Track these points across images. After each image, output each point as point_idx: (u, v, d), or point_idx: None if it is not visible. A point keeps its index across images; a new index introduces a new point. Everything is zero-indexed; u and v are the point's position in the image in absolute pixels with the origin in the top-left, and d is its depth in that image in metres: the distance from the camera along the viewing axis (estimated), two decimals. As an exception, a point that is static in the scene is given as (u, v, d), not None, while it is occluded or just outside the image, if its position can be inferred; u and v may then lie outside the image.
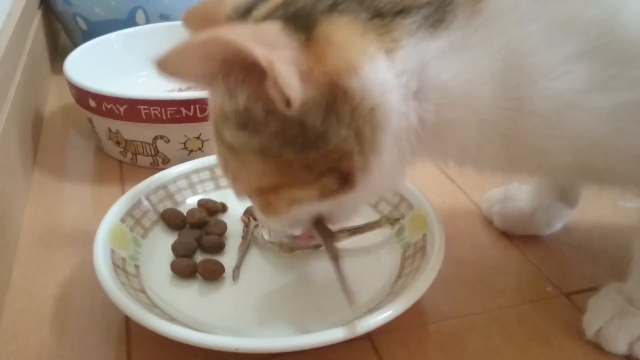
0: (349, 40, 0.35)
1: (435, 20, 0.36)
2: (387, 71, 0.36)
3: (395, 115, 0.37)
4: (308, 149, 0.37)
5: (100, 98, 0.68)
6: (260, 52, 0.32)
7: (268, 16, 0.38)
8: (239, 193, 0.45)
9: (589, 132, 0.38)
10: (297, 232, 0.49)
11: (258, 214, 0.45)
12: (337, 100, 0.36)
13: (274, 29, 0.35)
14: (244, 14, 0.41)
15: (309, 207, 0.42)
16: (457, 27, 0.36)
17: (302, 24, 0.35)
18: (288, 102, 0.35)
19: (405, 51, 0.36)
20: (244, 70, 0.36)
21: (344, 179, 0.39)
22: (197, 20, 0.45)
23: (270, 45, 0.34)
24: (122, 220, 0.54)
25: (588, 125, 0.37)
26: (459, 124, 0.39)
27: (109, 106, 0.68)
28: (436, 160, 0.44)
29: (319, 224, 0.47)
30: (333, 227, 0.49)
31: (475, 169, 0.44)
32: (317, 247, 0.54)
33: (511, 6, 0.36)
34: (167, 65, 0.34)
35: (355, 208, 0.47)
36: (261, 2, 0.41)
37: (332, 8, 0.36)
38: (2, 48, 0.68)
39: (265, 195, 0.42)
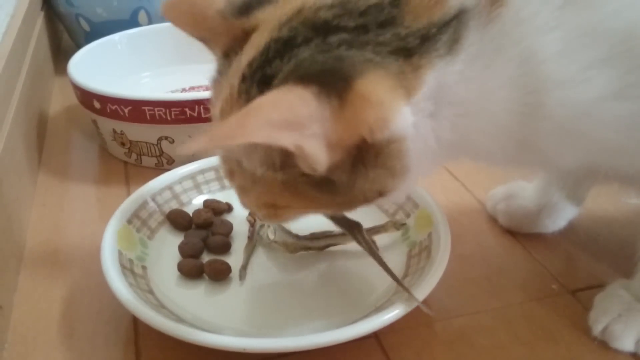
0: (384, 99, 0.34)
1: (452, 42, 0.35)
2: (410, 107, 0.35)
3: (415, 140, 0.36)
4: (336, 194, 0.37)
5: (104, 99, 0.68)
6: (289, 142, 0.32)
7: (286, 32, 0.37)
8: (244, 205, 0.44)
9: (601, 139, 0.38)
10: None
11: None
12: (361, 151, 0.35)
13: (306, 101, 0.33)
14: (240, 12, 0.40)
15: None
16: (472, 42, 0.35)
17: (336, 85, 0.34)
18: (315, 170, 0.34)
19: (427, 84, 0.35)
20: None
21: (372, 200, 0.39)
22: (179, 12, 0.42)
23: (300, 125, 0.32)
24: (129, 222, 0.54)
25: (602, 132, 0.37)
26: (473, 131, 0.38)
27: (113, 107, 0.68)
28: (450, 162, 0.44)
29: (342, 220, 0.48)
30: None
31: (487, 163, 0.44)
32: (323, 248, 0.55)
33: (530, 14, 0.35)
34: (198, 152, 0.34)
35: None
36: (262, 3, 0.40)
37: (367, 63, 0.34)
38: (6, 50, 0.69)
39: (275, 209, 0.41)
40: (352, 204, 0.39)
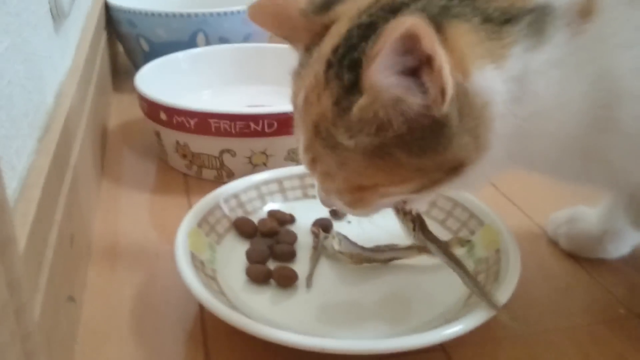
0: (469, 48, 0.36)
1: (537, 29, 0.37)
2: (495, 77, 0.37)
3: (500, 116, 0.38)
4: (425, 154, 0.38)
5: (171, 111, 0.71)
6: (431, 46, 0.33)
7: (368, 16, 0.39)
8: (328, 191, 0.45)
9: None
10: None
11: (343, 206, 0.46)
12: (459, 100, 0.37)
13: (426, 25, 0.34)
14: (321, 9, 0.43)
15: (400, 197, 0.44)
16: (559, 43, 0.37)
17: (435, 23, 0.36)
18: (443, 95, 0.35)
19: (513, 58, 0.37)
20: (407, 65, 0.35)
21: (452, 172, 0.40)
22: (265, 15, 0.46)
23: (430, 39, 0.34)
24: (199, 225, 0.55)
25: None
26: (545, 133, 0.40)
27: (179, 119, 0.70)
28: (520, 168, 0.45)
29: (428, 233, 0.50)
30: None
31: (555, 177, 0.45)
32: (387, 261, 0.55)
33: (613, 32, 0.37)
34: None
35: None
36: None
37: (445, 11, 0.37)
38: (81, 63, 0.72)
39: (360, 193, 0.42)
40: (437, 172, 0.39)
